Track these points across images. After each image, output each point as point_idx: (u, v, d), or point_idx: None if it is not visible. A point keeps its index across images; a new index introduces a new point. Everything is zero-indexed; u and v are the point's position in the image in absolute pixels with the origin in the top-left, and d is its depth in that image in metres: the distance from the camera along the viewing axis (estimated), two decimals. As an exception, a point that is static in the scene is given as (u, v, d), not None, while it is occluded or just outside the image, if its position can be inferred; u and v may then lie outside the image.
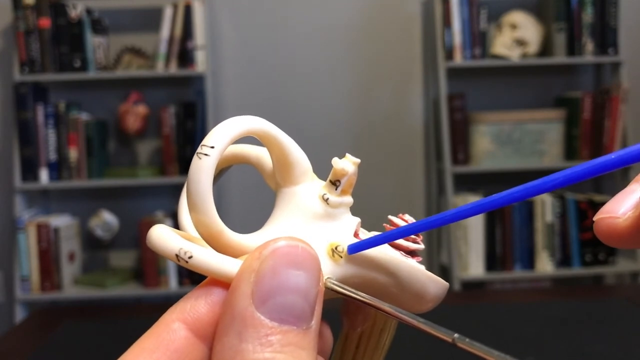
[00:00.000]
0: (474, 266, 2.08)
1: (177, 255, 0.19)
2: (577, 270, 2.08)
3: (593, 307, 0.95)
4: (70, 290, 2.07)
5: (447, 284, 0.23)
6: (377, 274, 0.22)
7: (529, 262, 2.10)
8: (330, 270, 0.21)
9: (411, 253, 0.23)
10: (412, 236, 0.23)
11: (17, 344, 0.95)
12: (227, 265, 0.19)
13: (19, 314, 2.03)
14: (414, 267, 0.22)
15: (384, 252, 0.22)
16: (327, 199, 0.21)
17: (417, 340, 0.81)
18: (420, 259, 0.23)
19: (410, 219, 0.24)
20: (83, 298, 2.07)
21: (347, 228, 0.22)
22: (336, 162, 0.21)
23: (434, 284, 0.22)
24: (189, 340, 0.18)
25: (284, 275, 0.17)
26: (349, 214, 0.22)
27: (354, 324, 0.24)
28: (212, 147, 0.19)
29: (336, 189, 0.21)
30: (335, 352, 0.24)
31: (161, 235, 0.20)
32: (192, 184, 0.19)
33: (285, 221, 0.21)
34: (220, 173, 0.26)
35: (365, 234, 0.23)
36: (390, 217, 0.23)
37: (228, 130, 0.19)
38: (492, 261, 2.09)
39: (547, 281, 2.17)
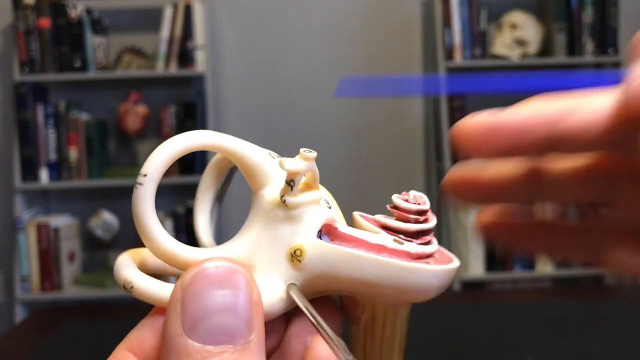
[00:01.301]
0: (474, 266, 2.08)
1: (124, 286, 0.20)
2: (577, 270, 2.08)
3: (593, 307, 0.95)
4: (70, 290, 2.07)
5: (443, 268, 0.21)
6: (340, 274, 0.20)
7: (529, 262, 2.10)
8: (291, 275, 0.20)
9: (413, 235, 0.22)
10: (411, 212, 0.22)
11: (17, 344, 0.95)
12: (164, 293, 0.19)
13: (19, 314, 2.03)
14: (382, 262, 0.20)
15: (343, 251, 0.20)
16: (284, 200, 0.21)
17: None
18: (425, 239, 0.22)
19: (419, 197, 0.22)
20: (83, 298, 2.07)
21: (310, 228, 0.21)
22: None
23: (417, 275, 0.20)
24: None
25: (208, 297, 0.17)
26: (318, 209, 0.21)
27: (354, 317, 0.23)
28: (145, 176, 0.20)
29: (292, 190, 0.20)
30: (349, 344, 0.23)
31: (116, 267, 0.21)
32: (134, 214, 0.20)
33: (249, 228, 0.21)
34: (229, 175, 0.26)
35: (345, 227, 0.21)
36: (394, 197, 0.22)
37: (160, 156, 0.21)
38: (492, 261, 2.09)
39: (547, 281, 2.17)
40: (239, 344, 0.17)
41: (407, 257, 0.21)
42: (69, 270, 2.10)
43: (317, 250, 0.20)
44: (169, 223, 2.09)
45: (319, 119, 2.27)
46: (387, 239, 0.21)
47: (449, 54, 2.12)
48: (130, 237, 2.22)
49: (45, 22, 2.05)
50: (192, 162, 2.12)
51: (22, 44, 2.04)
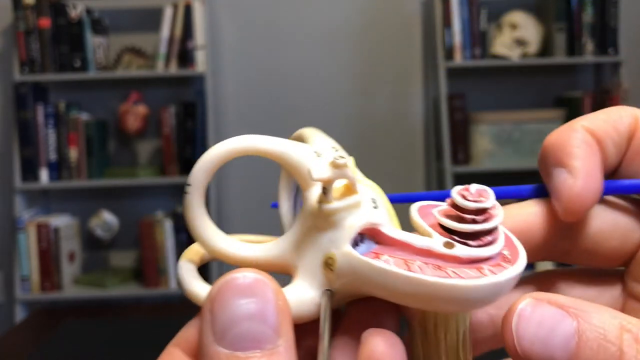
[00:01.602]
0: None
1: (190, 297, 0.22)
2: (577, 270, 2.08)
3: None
4: (70, 290, 2.07)
5: (480, 282, 0.19)
6: (370, 286, 0.20)
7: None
8: (326, 282, 0.20)
9: (467, 236, 0.20)
10: (467, 211, 0.20)
11: (17, 343, 0.95)
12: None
13: (19, 314, 2.03)
14: (408, 278, 0.19)
15: (369, 264, 0.19)
16: (321, 207, 0.20)
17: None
18: (485, 240, 0.20)
19: (482, 192, 0.21)
20: (83, 298, 2.07)
21: (344, 236, 0.20)
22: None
23: (446, 291, 0.19)
24: None
25: (234, 307, 0.19)
26: (357, 214, 0.20)
27: (408, 318, 0.22)
28: (190, 185, 0.21)
29: (326, 196, 0.20)
30: (409, 344, 0.22)
31: (179, 276, 0.22)
32: (185, 219, 0.21)
33: (298, 227, 0.21)
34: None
35: (391, 229, 0.20)
36: (453, 191, 0.21)
37: (202, 165, 0.21)
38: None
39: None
40: (266, 349, 0.18)
41: (456, 262, 0.19)
42: (69, 270, 2.10)
43: (347, 260, 0.20)
44: (169, 223, 2.09)
45: (318, 118, 2.27)
46: (435, 242, 0.20)
47: (449, 54, 2.12)
48: (131, 237, 2.22)
49: (45, 22, 2.05)
50: (192, 163, 2.11)
51: (22, 44, 2.04)
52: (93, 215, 2.16)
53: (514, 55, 2.13)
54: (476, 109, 2.20)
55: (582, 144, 0.21)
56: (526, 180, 0.20)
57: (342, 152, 0.22)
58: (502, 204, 0.21)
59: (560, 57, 2.14)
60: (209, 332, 0.19)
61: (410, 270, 0.19)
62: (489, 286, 0.19)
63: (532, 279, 0.24)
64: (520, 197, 0.23)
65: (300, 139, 0.24)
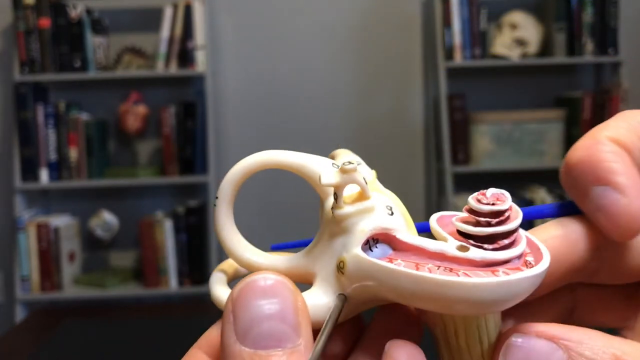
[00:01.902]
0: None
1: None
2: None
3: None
4: (70, 290, 2.07)
5: (491, 280, 0.19)
6: (381, 288, 0.20)
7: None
8: (339, 286, 0.21)
9: (483, 240, 0.20)
10: (482, 214, 0.20)
11: (17, 343, 0.95)
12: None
13: (19, 314, 2.03)
14: (416, 277, 0.19)
15: (377, 265, 0.20)
16: (333, 213, 0.21)
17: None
18: (502, 243, 0.20)
19: (498, 195, 0.20)
20: (83, 298, 2.07)
21: (355, 240, 0.20)
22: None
23: (457, 290, 0.19)
24: None
25: (255, 307, 0.19)
26: (369, 219, 0.21)
27: (429, 325, 0.22)
28: (217, 198, 0.23)
29: (337, 202, 0.21)
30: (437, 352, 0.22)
31: (210, 285, 0.24)
32: (214, 230, 0.23)
33: (318, 236, 0.22)
34: None
35: (405, 235, 0.21)
36: (470, 197, 0.21)
37: (231, 178, 0.22)
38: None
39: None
40: (287, 347, 0.19)
41: (470, 265, 0.19)
42: (69, 270, 2.10)
43: (356, 263, 0.20)
44: (169, 223, 2.09)
45: (318, 118, 2.27)
46: (449, 246, 0.20)
47: (449, 54, 2.12)
48: (131, 237, 2.22)
49: (45, 22, 2.05)
50: (192, 163, 2.12)
51: (22, 44, 2.04)
52: (93, 215, 2.16)
53: (514, 55, 2.13)
54: (476, 109, 2.20)
55: (616, 157, 0.20)
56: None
57: (365, 167, 0.23)
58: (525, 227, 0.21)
59: (560, 57, 2.14)
60: (231, 332, 0.19)
61: (417, 270, 0.19)
62: (497, 285, 0.18)
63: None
64: (543, 217, 0.22)
65: (332, 158, 0.25)
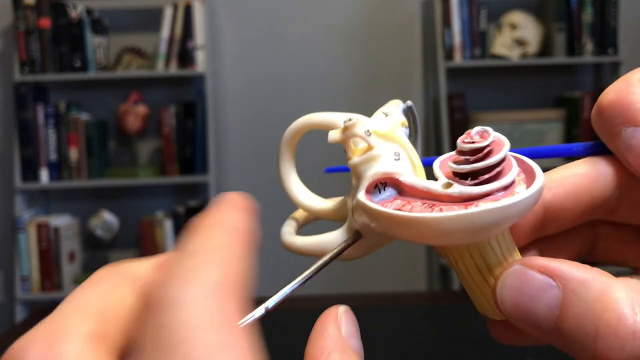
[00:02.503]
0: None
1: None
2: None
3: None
4: (71, 290, 2.05)
5: (454, 214, 0.20)
6: (378, 227, 0.22)
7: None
8: (354, 227, 0.23)
9: (467, 176, 0.21)
10: (463, 152, 0.22)
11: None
12: (312, 246, 0.24)
13: (19, 314, 2.03)
14: (392, 215, 0.21)
15: (368, 206, 0.22)
16: (348, 164, 0.24)
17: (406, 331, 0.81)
18: (482, 178, 0.21)
19: (481, 133, 0.22)
20: (83, 298, 2.07)
21: (362, 185, 0.23)
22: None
23: (425, 225, 0.20)
24: None
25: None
26: (374, 166, 0.23)
27: (440, 254, 0.24)
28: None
29: (347, 154, 0.24)
30: None
31: (281, 234, 0.26)
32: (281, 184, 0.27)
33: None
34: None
35: (407, 177, 0.22)
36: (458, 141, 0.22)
37: (283, 142, 0.27)
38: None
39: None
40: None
41: (450, 200, 0.21)
42: (69, 270, 2.10)
43: (359, 206, 0.22)
44: (169, 223, 2.09)
45: (319, 119, 2.27)
46: (435, 184, 0.22)
47: (449, 54, 2.12)
48: (131, 237, 2.22)
49: (46, 22, 2.05)
50: (192, 163, 2.12)
51: (22, 44, 2.04)
52: (93, 215, 2.17)
53: (513, 55, 2.13)
54: (476, 109, 2.20)
55: None
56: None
57: (393, 117, 0.25)
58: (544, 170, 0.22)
59: (560, 57, 2.14)
60: None
61: (400, 210, 0.21)
62: (458, 218, 0.20)
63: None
64: (571, 155, 0.23)
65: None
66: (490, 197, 0.21)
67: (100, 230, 2.15)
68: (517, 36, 2.12)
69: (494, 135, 0.22)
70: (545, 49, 2.19)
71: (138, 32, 2.22)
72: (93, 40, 2.09)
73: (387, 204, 0.22)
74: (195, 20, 2.09)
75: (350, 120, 0.23)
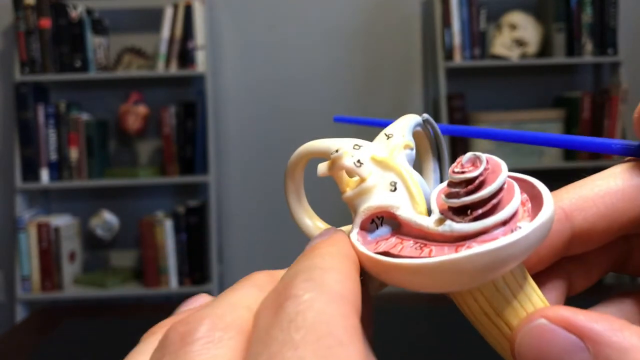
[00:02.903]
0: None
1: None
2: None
3: (592, 305, 0.95)
4: (71, 289, 2.08)
5: (440, 259, 0.17)
6: (367, 270, 0.20)
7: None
8: None
9: (459, 211, 0.19)
10: (453, 184, 0.19)
11: (18, 343, 0.95)
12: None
13: (20, 314, 2.03)
14: (377, 261, 0.19)
15: (356, 250, 0.19)
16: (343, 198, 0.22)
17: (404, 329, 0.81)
18: (476, 213, 0.18)
19: (473, 160, 0.19)
20: (83, 298, 2.07)
21: (356, 221, 0.21)
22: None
23: (410, 272, 0.18)
24: None
25: None
26: (367, 200, 0.20)
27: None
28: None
29: (340, 188, 0.22)
30: None
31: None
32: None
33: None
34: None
35: (403, 211, 0.20)
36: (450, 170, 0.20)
37: (289, 163, 0.24)
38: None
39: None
40: None
41: (443, 239, 0.19)
42: (69, 270, 2.10)
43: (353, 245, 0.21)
44: (169, 223, 2.09)
45: (318, 118, 2.27)
46: (429, 221, 0.19)
47: (449, 54, 2.12)
48: (131, 237, 2.22)
49: (46, 22, 2.05)
50: (192, 163, 2.12)
51: (22, 44, 2.04)
52: (93, 215, 2.17)
53: (513, 55, 2.13)
54: (476, 109, 2.20)
55: None
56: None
57: (394, 140, 0.22)
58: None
59: (559, 57, 2.14)
60: None
61: (387, 252, 0.19)
62: (439, 265, 0.17)
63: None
64: (609, 153, 0.21)
65: None
66: (487, 234, 0.18)
67: (101, 230, 2.16)
68: (517, 36, 2.13)
69: (487, 162, 0.19)
70: (545, 49, 2.20)
71: (138, 32, 2.22)
72: (93, 41, 2.10)
73: (381, 243, 0.20)
74: (195, 21, 2.10)
75: (337, 151, 0.21)
